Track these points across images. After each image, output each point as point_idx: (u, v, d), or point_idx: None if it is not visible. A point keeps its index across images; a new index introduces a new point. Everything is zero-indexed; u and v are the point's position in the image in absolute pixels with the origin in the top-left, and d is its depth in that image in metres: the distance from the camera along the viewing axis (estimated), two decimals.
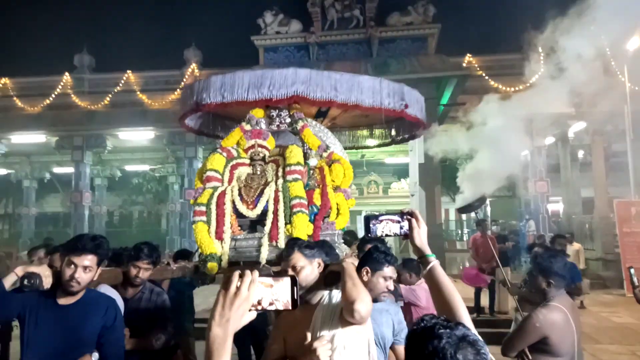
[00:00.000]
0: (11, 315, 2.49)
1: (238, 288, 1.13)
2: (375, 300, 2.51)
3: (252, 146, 4.37)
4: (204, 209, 3.95)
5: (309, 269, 2.32)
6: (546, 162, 14.58)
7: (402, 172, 20.46)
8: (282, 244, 3.75)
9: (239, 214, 4.02)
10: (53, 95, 15.79)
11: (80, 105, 15.72)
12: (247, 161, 4.35)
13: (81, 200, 15.78)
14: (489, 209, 20.11)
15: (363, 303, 2.00)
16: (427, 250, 1.77)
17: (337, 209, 4.20)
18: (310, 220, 3.93)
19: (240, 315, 1.12)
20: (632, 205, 11.98)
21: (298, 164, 4.09)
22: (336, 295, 2.24)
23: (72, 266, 2.41)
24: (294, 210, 3.86)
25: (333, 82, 4.33)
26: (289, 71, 4.35)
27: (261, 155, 4.36)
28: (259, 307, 1.16)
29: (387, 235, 1.82)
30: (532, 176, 14.31)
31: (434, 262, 1.73)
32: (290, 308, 1.17)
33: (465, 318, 1.58)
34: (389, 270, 2.70)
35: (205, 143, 15.52)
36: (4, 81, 16.36)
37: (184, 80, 15.64)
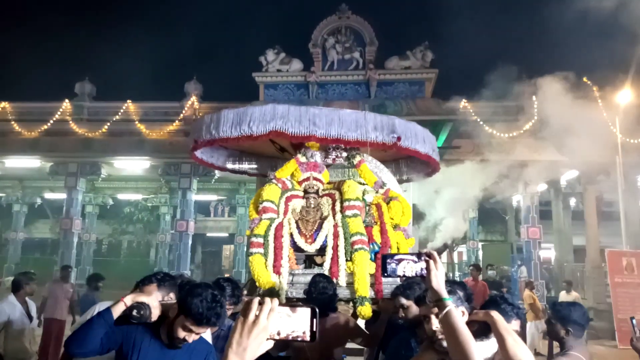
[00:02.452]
0: (112, 347, 2.31)
1: (257, 316, 1.10)
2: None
3: (307, 179, 4.33)
4: (261, 240, 3.84)
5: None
6: (538, 208, 14.66)
7: None
8: (342, 281, 3.65)
9: (296, 248, 3.93)
10: (51, 121, 15.85)
11: (78, 132, 15.76)
12: (301, 194, 4.30)
13: (71, 227, 15.59)
14: (480, 252, 20.04)
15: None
16: (444, 294, 1.74)
17: (397, 247, 4.10)
18: (370, 259, 3.84)
19: (258, 344, 1.10)
20: (623, 255, 11.99)
21: (357, 199, 4.02)
22: (483, 347, 1.96)
23: (188, 332, 2.24)
24: (355, 247, 3.77)
25: (311, 117, 4.31)
26: (267, 107, 4.36)
27: (315, 188, 4.31)
28: (277, 337, 1.13)
29: (406, 276, 1.78)
30: (525, 222, 14.36)
31: (451, 307, 1.71)
32: (308, 340, 1.13)
33: None
34: (515, 325, 2.42)
35: (201, 175, 15.54)
36: (3, 105, 16.43)
37: (183, 112, 15.79)
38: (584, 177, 14.65)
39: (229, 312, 3.13)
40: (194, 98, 16.10)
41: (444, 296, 1.72)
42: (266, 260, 3.78)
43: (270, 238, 3.84)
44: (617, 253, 12.13)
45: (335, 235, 3.85)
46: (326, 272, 3.75)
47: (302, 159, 4.43)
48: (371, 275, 3.71)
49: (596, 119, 13.86)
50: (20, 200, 20.54)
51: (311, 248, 3.89)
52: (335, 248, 3.82)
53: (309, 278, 3.82)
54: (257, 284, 3.74)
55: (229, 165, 5.97)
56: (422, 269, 1.74)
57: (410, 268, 1.75)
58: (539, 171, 14.35)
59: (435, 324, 2.03)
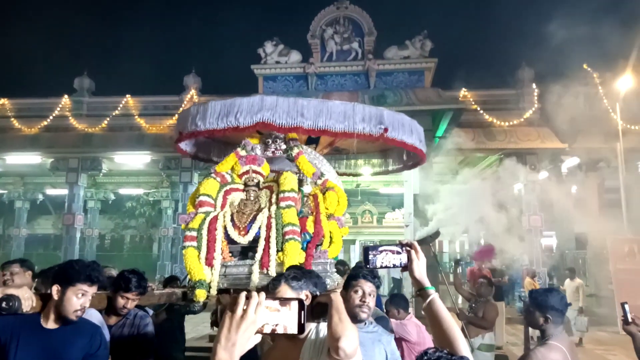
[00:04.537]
0: None
1: (245, 311, 1.10)
2: (353, 317, 2.42)
3: (247, 172, 4.34)
4: (195, 234, 3.89)
5: None
6: (540, 196, 14.67)
7: (396, 202, 20.48)
8: (273, 271, 3.70)
9: (230, 240, 3.96)
10: (51, 117, 15.85)
11: (78, 127, 15.77)
12: (241, 187, 4.32)
13: (73, 222, 15.64)
14: (482, 241, 20.08)
15: (348, 340, 1.86)
16: (427, 283, 1.75)
17: (330, 237, 4.15)
18: (302, 248, 3.88)
19: (247, 338, 1.09)
20: (625, 241, 12.00)
21: (292, 190, 4.06)
22: (324, 328, 2.14)
23: (83, 296, 2.39)
24: (286, 237, 3.81)
25: (299, 108, 4.29)
26: (255, 98, 4.34)
27: (255, 181, 4.33)
28: (265, 331, 1.13)
29: (386, 266, 1.80)
30: (526, 210, 14.36)
31: (434, 295, 1.71)
32: (296, 333, 1.14)
33: (465, 351, 1.57)
34: (364, 284, 2.65)
35: (202, 168, 15.54)
36: (2, 101, 16.42)
37: (183, 105, 15.76)
38: (585, 165, 14.63)
39: (134, 303, 3.21)
40: (193, 91, 16.07)
41: (426, 285, 1.74)
42: (199, 253, 3.82)
43: (204, 231, 3.87)
44: (619, 240, 12.13)
45: (268, 227, 3.88)
46: (257, 263, 3.78)
47: (242, 152, 4.44)
48: (301, 264, 3.74)
49: (597, 106, 13.84)
50: (22, 196, 20.59)
51: (244, 240, 3.92)
52: (267, 239, 3.84)
53: (241, 269, 3.86)
54: (189, 276, 3.79)
55: (214, 158, 5.97)
56: (401, 260, 1.76)
57: (388, 259, 1.76)
58: (540, 159, 14.36)
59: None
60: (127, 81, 23.89)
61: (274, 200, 4.13)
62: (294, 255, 3.76)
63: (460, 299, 8.67)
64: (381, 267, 1.78)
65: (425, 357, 1.12)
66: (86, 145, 15.58)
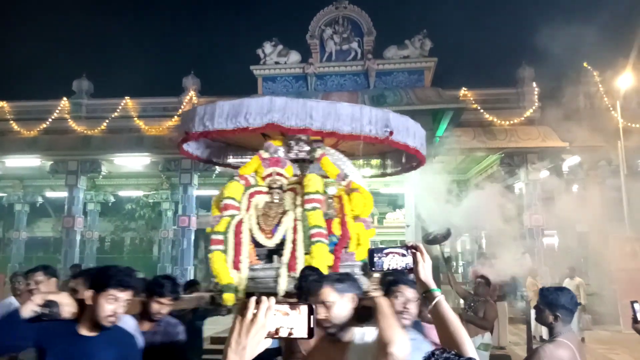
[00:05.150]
0: (26, 345, 2.37)
1: (255, 315, 1.11)
2: None
3: (270, 174, 4.32)
4: (221, 237, 3.87)
5: (341, 304, 2.15)
6: (541, 196, 14.63)
7: (397, 202, 20.46)
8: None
9: (256, 243, 3.93)
10: (50, 120, 15.81)
11: (77, 130, 15.73)
12: (265, 189, 4.30)
13: (73, 225, 15.59)
14: (484, 241, 20.04)
15: (399, 346, 1.84)
16: (432, 285, 1.75)
17: (357, 239, 4.11)
18: (329, 251, 3.85)
19: (257, 342, 1.11)
20: (627, 240, 11.97)
21: (317, 192, 4.02)
22: (369, 332, 2.10)
23: (114, 302, 2.35)
24: (313, 239, 3.78)
25: (308, 110, 4.29)
26: (264, 99, 4.34)
27: (279, 183, 4.31)
28: (275, 335, 1.14)
29: (393, 269, 1.79)
30: (527, 209, 14.33)
31: (440, 297, 1.71)
32: (306, 337, 1.15)
33: (472, 353, 1.56)
34: (405, 290, 2.58)
35: (201, 170, 15.51)
36: (1, 104, 16.39)
37: (182, 107, 15.73)
38: (586, 163, 14.59)
39: (168, 308, 3.18)
40: (192, 93, 16.05)
41: (432, 287, 1.73)
42: (226, 256, 3.78)
43: (230, 235, 3.86)
44: (621, 239, 12.10)
45: (295, 229, 3.88)
46: (285, 266, 3.73)
47: (265, 154, 4.43)
48: (329, 267, 3.70)
49: (597, 104, 13.81)
50: (22, 199, 20.54)
51: (270, 243, 3.90)
52: (294, 242, 3.84)
53: (268, 272, 3.82)
54: (216, 280, 3.75)
55: (214, 159, 5.95)
56: (408, 263, 1.75)
57: (395, 262, 1.75)
58: (541, 158, 14.32)
59: (322, 313, 2.11)
60: (126, 83, 23.88)
61: (298, 202, 4.10)
62: (322, 257, 3.73)
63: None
64: (388, 269, 1.77)
65: (433, 358, 1.10)
66: (85, 148, 15.55)
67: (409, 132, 4.82)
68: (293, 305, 1.16)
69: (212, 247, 3.85)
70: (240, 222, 3.93)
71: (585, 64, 14.47)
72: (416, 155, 5.19)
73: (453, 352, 1.12)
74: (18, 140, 15.68)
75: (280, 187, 4.31)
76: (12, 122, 15.89)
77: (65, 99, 16.36)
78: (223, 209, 4.09)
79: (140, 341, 2.80)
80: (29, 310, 2.33)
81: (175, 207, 18.84)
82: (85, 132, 15.72)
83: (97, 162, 15.87)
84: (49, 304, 2.30)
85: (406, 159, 5.90)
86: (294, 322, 1.15)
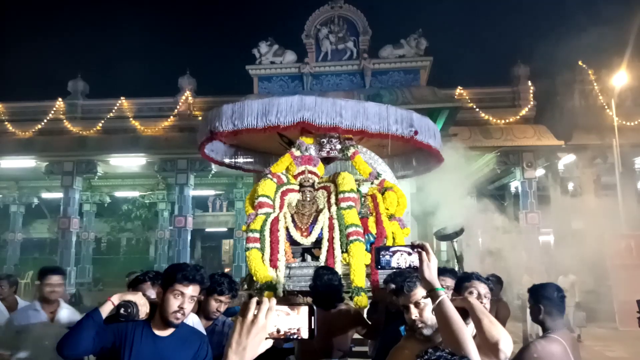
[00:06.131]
0: (105, 345, 2.37)
1: (255, 316, 1.12)
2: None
3: (302, 172, 4.34)
4: (257, 235, 3.87)
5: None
6: (537, 194, 14.68)
7: None
8: (338, 272, 3.68)
9: (292, 241, 3.94)
10: (45, 121, 15.75)
11: (72, 130, 15.68)
12: (297, 187, 4.31)
13: (69, 226, 15.54)
14: (480, 240, 20.08)
15: (507, 342, 1.84)
16: (437, 284, 1.76)
17: (393, 237, 4.12)
18: (366, 249, 3.86)
19: (257, 343, 1.11)
20: (622, 238, 12.02)
21: (352, 191, 4.04)
22: None
23: (180, 296, 2.33)
24: (351, 238, 3.79)
25: (338, 109, 4.36)
26: (294, 98, 4.39)
27: (311, 181, 4.33)
28: (276, 335, 1.15)
29: (400, 267, 1.79)
30: (523, 208, 14.38)
31: (443, 296, 1.73)
32: (307, 338, 1.16)
33: (474, 353, 1.56)
34: (478, 286, 2.56)
35: (197, 170, 15.49)
36: None
37: (178, 107, 15.70)
38: (581, 161, 14.65)
39: (225, 307, 3.20)
40: (188, 93, 16.01)
41: (436, 286, 1.75)
42: (263, 254, 3.79)
43: (267, 233, 3.87)
44: (617, 236, 12.15)
45: (331, 228, 3.87)
46: (323, 265, 3.74)
47: (297, 152, 4.45)
48: (367, 265, 3.71)
49: (592, 103, 13.86)
50: (17, 200, 20.47)
51: (307, 241, 3.91)
52: (331, 240, 3.84)
53: (305, 271, 3.81)
54: (254, 278, 3.74)
55: (226, 160, 5.95)
56: (414, 261, 1.76)
57: (403, 260, 1.77)
58: (536, 156, 14.37)
59: (415, 313, 2.10)
60: (122, 83, 23.85)
61: (332, 200, 4.11)
62: (360, 256, 3.75)
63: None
64: (397, 267, 1.79)
65: (426, 357, 1.11)
66: (81, 149, 15.49)
67: (430, 132, 4.94)
68: (294, 306, 1.16)
69: (249, 245, 3.84)
70: (276, 220, 3.94)
71: (580, 63, 14.52)
72: (437, 156, 5.26)
73: (446, 351, 1.13)
74: (13, 141, 15.60)
75: (312, 185, 4.32)
76: (7, 123, 15.82)
77: (60, 99, 16.30)
78: (257, 207, 4.09)
79: None
80: (107, 310, 2.35)
81: (172, 207, 18.81)
82: (80, 132, 15.66)
83: (92, 162, 15.81)
84: (127, 304, 2.31)
85: (418, 162, 5.92)
86: (295, 322, 1.15)
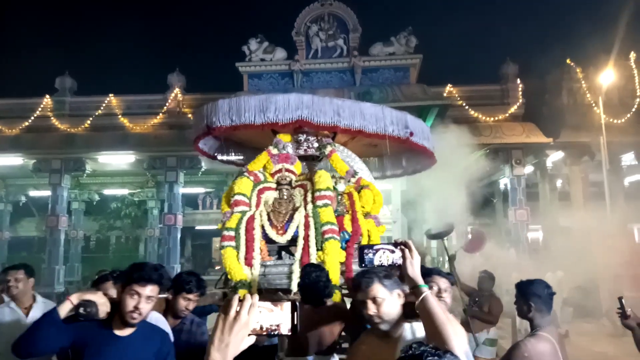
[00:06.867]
0: (64, 345, 2.36)
1: (238, 312, 1.12)
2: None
3: (279, 170, 4.35)
4: (232, 233, 3.88)
5: (391, 300, 2.13)
6: (525, 191, 14.79)
7: (384, 198, 20.50)
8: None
9: (268, 240, 3.95)
10: (32, 118, 15.57)
11: (60, 128, 15.52)
12: (274, 185, 4.31)
13: (57, 224, 15.39)
14: (470, 236, 20.21)
15: (459, 339, 1.81)
16: (420, 281, 1.78)
17: (368, 235, 4.15)
18: (341, 247, 3.88)
19: (240, 340, 1.11)
20: (609, 235, 12.14)
21: (328, 189, 4.06)
22: (419, 328, 2.08)
23: (136, 296, 2.33)
24: (326, 236, 3.81)
25: (336, 108, 4.39)
26: (291, 96, 4.40)
27: (288, 179, 4.34)
28: (259, 332, 1.15)
29: (383, 265, 1.81)
30: (512, 204, 14.49)
31: (427, 293, 1.75)
32: (290, 334, 1.16)
33: (457, 349, 1.57)
34: (439, 280, 2.61)
35: (187, 168, 15.41)
36: None
37: (167, 104, 15.60)
38: (569, 158, 14.80)
39: (194, 304, 3.21)
40: (177, 90, 15.91)
41: (419, 283, 1.77)
42: (238, 253, 3.79)
43: (242, 231, 3.88)
44: (603, 233, 12.27)
45: (307, 226, 3.89)
46: (297, 262, 3.77)
47: (274, 150, 4.46)
48: (342, 263, 3.74)
49: (580, 100, 13.99)
50: (5, 199, 20.23)
51: (282, 239, 3.93)
52: (306, 238, 3.86)
53: (281, 269, 3.84)
54: (229, 276, 3.76)
55: (219, 156, 5.95)
56: (397, 258, 1.78)
57: (386, 257, 1.79)
58: (525, 153, 14.48)
59: (372, 309, 2.12)
60: (110, 80, 23.64)
61: (309, 198, 4.12)
62: (335, 254, 3.77)
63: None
64: (379, 265, 1.80)
65: (410, 352, 1.12)
66: (69, 146, 15.33)
67: (424, 134, 4.97)
68: (276, 303, 1.16)
69: (224, 243, 3.85)
70: (252, 218, 3.94)
71: (568, 61, 14.65)
72: (431, 158, 5.31)
73: (430, 345, 1.14)
74: (0, 138, 15.41)
75: (289, 184, 4.33)
76: None
77: (48, 96, 16.12)
78: (233, 205, 4.09)
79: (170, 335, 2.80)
80: (65, 309, 2.33)
81: (161, 205, 18.71)
82: (68, 130, 15.51)
83: (81, 160, 15.66)
84: (86, 303, 2.30)
85: (408, 162, 5.96)
86: (278, 319, 1.15)
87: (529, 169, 15.62)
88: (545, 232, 17.12)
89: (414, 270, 1.78)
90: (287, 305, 1.16)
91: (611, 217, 12.61)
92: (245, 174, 4.26)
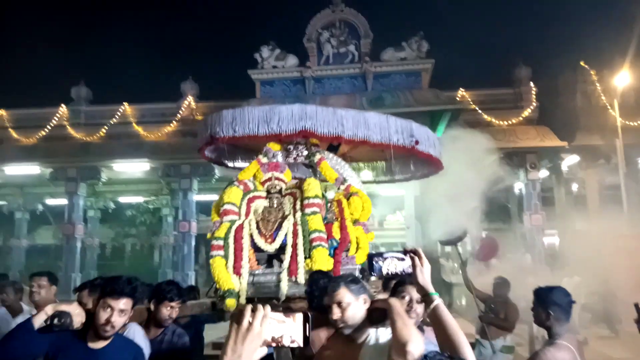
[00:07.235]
0: (37, 355, 2.37)
1: (250, 323, 1.12)
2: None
3: (269, 179, 4.36)
4: (221, 243, 3.89)
5: (356, 305, 2.16)
6: (541, 195, 14.63)
7: (397, 204, 20.42)
8: (301, 279, 3.70)
9: (257, 248, 3.96)
10: (48, 127, 15.83)
11: (76, 137, 15.75)
12: (264, 194, 4.33)
13: (73, 232, 15.58)
14: (481, 245, 20.00)
15: (415, 344, 1.85)
16: (431, 289, 1.77)
17: (357, 242, 4.14)
18: (330, 255, 3.88)
19: (253, 350, 1.11)
20: (627, 239, 11.94)
21: (316, 196, 4.05)
22: (383, 334, 2.12)
23: (109, 309, 2.34)
24: (314, 244, 3.81)
25: (339, 118, 4.37)
26: (295, 107, 4.39)
27: (278, 188, 4.35)
28: (271, 343, 1.15)
29: (391, 273, 1.81)
30: (527, 209, 14.33)
31: (438, 301, 1.74)
32: (301, 345, 1.17)
33: (470, 357, 1.57)
34: (411, 290, 2.59)
35: (201, 175, 15.51)
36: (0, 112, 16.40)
37: (181, 112, 15.75)
38: (585, 162, 14.61)
39: (177, 313, 3.21)
40: (190, 98, 16.06)
41: (430, 291, 1.76)
42: (227, 262, 3.80)
43: (230, 240, 3.88)
44: (620, 236, 12.07)
45: (295, 234, 3.89)
46: (285, 271, 3.76)
47: (264, 159, 4.47)
48: (329, 271, 3.73)
49: (595, 103, 13.83)
50: (22, 207, 20.51)
51: (271, 248, 3.92)
52: (295, 246, 3.85)
53: (269, 277, 3.84)
54: (217, 285, 3.77)
55: (227, 162, 5.99)
56: (407, 267, 1.77)
57: (394, 266, 1.78)
58: (540, 157, 14.33)
59: (337, 313, 2.14)
60: (124, 89, 23.93)
61: (298, 207, 4.13)
62: (322, 261, 3.76)
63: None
64: (387, 274, 1.80)
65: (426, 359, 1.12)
66: (84, 155, 15.54)
67: (430, 141, 4.92)
68: (288, 313, 1.17)
69: (213, 252, 3.87)
70: (240, 227, 3.95)
71: (582, 63, 14.51)
72: (437, 164, 5.29)
73: (446, 354, 1.14)
74: (17, 148, 15.68)
75: (279, 192, 4.34)
76: (10, 129, 15.90)
77: (63, 106, 16.38)
78: (223, 214, 4.11)
79: (147, 350, 2.80)
80: (40, 320, 2.34)
81: (176, 212, 18.81)
82: (84, 138, 15.73)
83: (96, 168, 15.86)
84: (60, 314, 2.30)
85: (415, 167, 5.93)
86: (290, 330, 1.16)
87: (543, 173, 15.45)
88: (561, 237, 16.91)
89: (424, 278, 1.77)
90: (300, 317, 1.16)
91: (628, 220, 12.40)
92: (235, 183, 4.28)
